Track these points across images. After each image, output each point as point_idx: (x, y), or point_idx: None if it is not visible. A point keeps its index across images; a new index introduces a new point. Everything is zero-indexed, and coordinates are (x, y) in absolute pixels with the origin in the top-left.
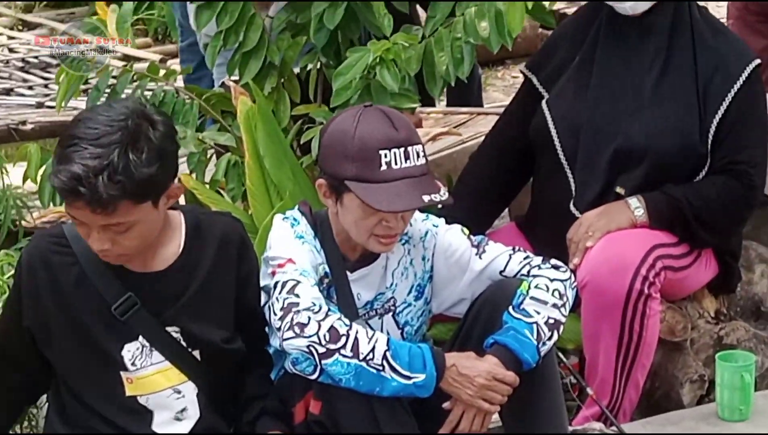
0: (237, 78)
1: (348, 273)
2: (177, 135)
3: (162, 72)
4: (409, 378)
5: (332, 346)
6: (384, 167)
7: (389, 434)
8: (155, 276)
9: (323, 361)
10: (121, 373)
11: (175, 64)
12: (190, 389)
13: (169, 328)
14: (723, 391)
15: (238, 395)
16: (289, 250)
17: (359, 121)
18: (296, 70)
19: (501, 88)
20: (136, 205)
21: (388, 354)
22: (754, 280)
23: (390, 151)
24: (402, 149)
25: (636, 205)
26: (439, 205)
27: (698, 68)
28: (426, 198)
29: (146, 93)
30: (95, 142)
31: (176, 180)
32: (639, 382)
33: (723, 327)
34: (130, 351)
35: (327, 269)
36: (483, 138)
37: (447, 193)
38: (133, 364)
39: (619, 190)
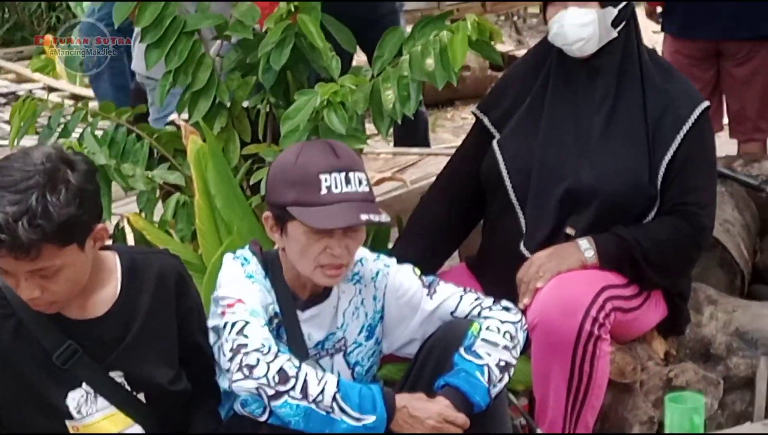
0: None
1: (299, 312)
2: (96, 175)
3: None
4: (360, 420)
5: (281, 388)
6: (324, 191)
7: None
8: (94, 322)
9: (272, 403)
10: (67, 422)
11: None
12: (137, 432)
13: (112, 373)
14: (673, 433)
15: (185, 433)
16: (239, 289)
17: (301, 151)
18: (245, 107)
19: (450, 129)
20: (60, 248)
21: (337, 396)
22: (703, 322)
23: (330, 175)
24: (343, 174)
25: (586, 247)
26: (390, 246)
27: (647, 109)
28: (364, 217)
29: (97, 131)
30: (12, 188)
31: (101, 221)
32: (589, 423)
33: (672, 369)
34: (74, 399)
35: (277, 309)
36: (434, 179)
37: (388, 218)
38: (78, 412)
39: (569, 231)
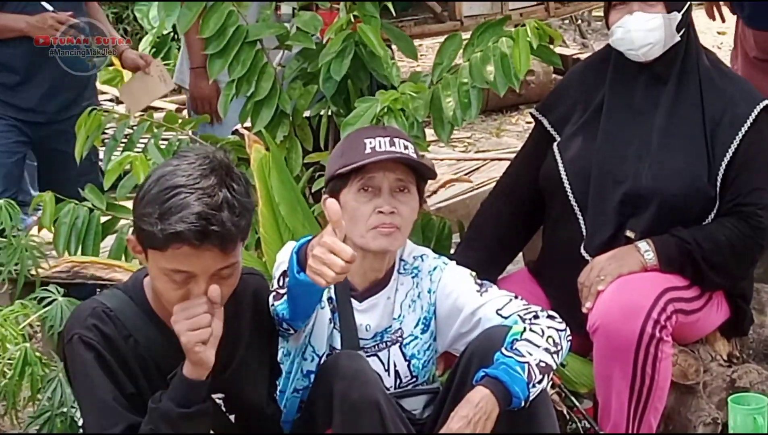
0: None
1: (356, 302)
2: None
3: (179, 121)
4: None
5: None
6: (368, 151)
7: None
8: None
9: None
10: None
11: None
12: None
13: (213, 395)
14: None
15: None
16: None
17: (354, 131)
18: (307, 116)
19: (515, 134)
20: (242, 243)
21: None
22: (767, 323)
23: (375, 139)
24: (388, 138)
25: (646, 249)
26: (452, 251)
27: (705, 111)
28: (399, 155)
29: (161, 142)
30: (197, 185)
31: None
32: (652, 425)
33: (735, 370)
34: None
35: (333, 295)
36: (495, 183)
37: (434, 169)
38: None
39: (629, 233)
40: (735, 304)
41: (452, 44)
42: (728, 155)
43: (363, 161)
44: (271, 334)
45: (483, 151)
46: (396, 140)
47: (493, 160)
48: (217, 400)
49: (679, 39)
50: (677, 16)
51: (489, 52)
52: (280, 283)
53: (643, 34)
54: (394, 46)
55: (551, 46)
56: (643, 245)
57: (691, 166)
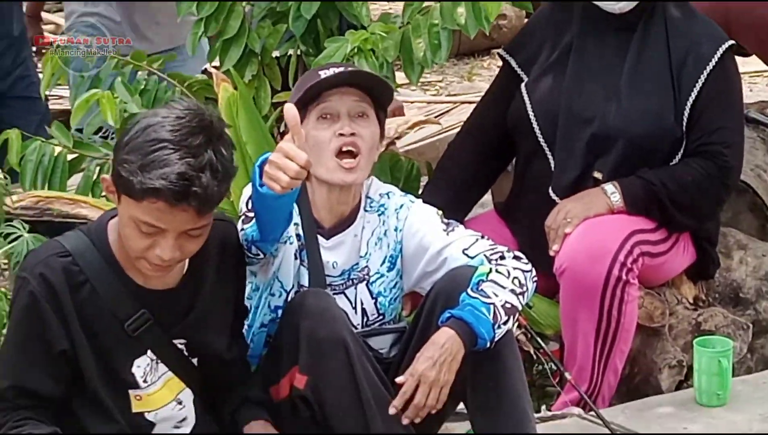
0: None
1: (323, 240)
2: None
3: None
4: None
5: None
6: (323, 77)
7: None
8: (167, 292)
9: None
10: (130, 391)
11: None
12: (188, 396)
13: (175, 340)
14: (701, 377)
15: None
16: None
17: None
18: (276, 56)
19: (486, 78)
20: (217, 205)
21: None
22: (733, 267)
23: (329, 69)
24: (342, 67)
25: (612, 191)
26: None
27: (671, 53)
28: (351, 69)
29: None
30: (183, 142)
31: None
32: (618, 367)
33: (701, 313)
34: (140, 367)
35: (301, 232)
36: (462, 123)
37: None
38: (144, 380)
39: (597, 174)
40: (701, 247)
41: None
42: (693, 94)
43: (315, 79)
44: (237, 280)
45: (454, 95)
46: (350, 67)
47: (463, 103)
48: (179, 346)
49: None
50: None
51: None
52: (248, 207)
53: None
54: None
55: None
56: (609, 187)
57: (658, 107)
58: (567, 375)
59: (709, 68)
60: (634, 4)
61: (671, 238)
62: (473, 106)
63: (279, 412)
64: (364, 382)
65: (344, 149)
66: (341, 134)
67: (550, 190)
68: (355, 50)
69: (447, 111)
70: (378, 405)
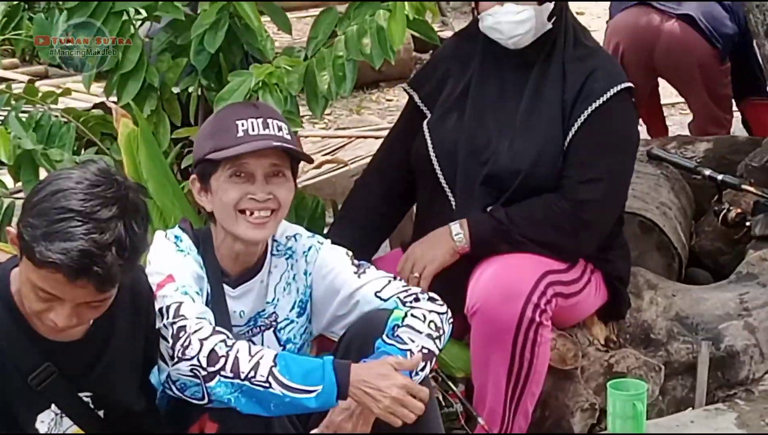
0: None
1: (229, 289)
2: None
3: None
4: (305, 392)
5: (212, 368)
6: (241, 134)
7: None
8: (73, 344)
9: (207, 384)
10: None
11: (44, 85)
12: None
13: (81, 393)
14: (615, 420)
15: None
16: (170, 264)
17: (222, 109)
18: (176, 91)
19: (376, 111)
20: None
21: (274, 370)
22: (643, 307)
23: (247, 120)
24: (261, 120)
25: (457, 233)
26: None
27: (565, 90)
28: (276, 143)
29: (22, 115)
30: (93, 215)
31: None
32: (528, 410)
33: (613, 355)
34: (44, 422)
35: (207, 286)
36: (369, 160)
37: (312, 159)
38: None
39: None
40: (613, 287)
41: (327, 18)
42: (573, 129)
43: (235, 150)
44: (147, 328)
45: (344, 129)
46: (269, 121)
47: (358, 137)
48: (85, 398)
49: (550, 26)
50: (549, 6)
51: (365, 25)
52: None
53: (512, 26)
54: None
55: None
56: (455, 227)
57: (547, 146)
58: (480, 419)
59: (595, 104)
60: (530, 40)
61: (583, 278)
62: (367, 140)
63: None
64: (277, 430)
65: (255, 213)
66: (254, 199)
67: None
68: (260, 84)
69: (341, 146)
70: None
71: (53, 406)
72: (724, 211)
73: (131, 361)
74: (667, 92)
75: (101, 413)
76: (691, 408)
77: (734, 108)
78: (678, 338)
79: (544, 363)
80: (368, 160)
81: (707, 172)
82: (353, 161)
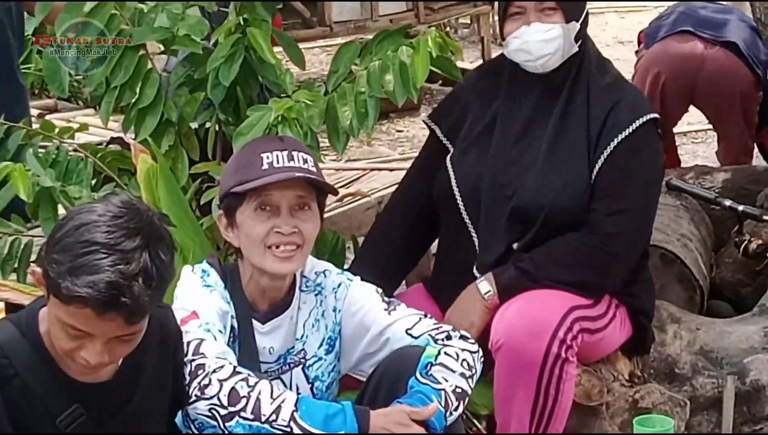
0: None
1: (258, 325)
2: None
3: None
4: None
5: (232, 408)
6: (266, 166)
7: None
8: (102, 385)
9: (225, 424)
10: None
11: (54, 118)
12: None
13: None
14: None
15: None
16: (195, 300)
17: (248, 143)
18: (194, 126)
19: (386, 143)
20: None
21: (296, 415)
22: (667, 341)
23: (272, 153)
24: (286, 152)
25: (486, 290)
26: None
27: (590, 120)
28: (300, 174)
29: (39, 151)
30: (117, 247)
31: None
32: None
33: (638, 390)
34: None
35: (235, 324)
36: (391, 195)
37: (336, 191)
38: None
39: (515, 246)
40: (638, 321)
41: (348, 51)
42: (600, 162)
43: (260, 181)
44: (175, 369)
45: (354, 160)
46: (295, 154)
47: (372, 169)
48: None
49: (577, 49)
50: (576, 26)
51: (388, 60)
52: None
53: (541, 44)
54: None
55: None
56: (484, 286)
57: (573, 179)
58: None
59: (621, 136)
60: (558, 62)
61: (609, 313)
62: (382, 172)
63: None
64: None
65: (281, 247)
66: (280, 232)
67: (475, 269)
68: (279, 119)
69: (356, 178)
70: None
71: None
72: (745, 242)
73: (160, 403)
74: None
75: None
76: None
77: None
78: (703, 373)
79: (569, 400)
80: (383, 192)
81: (727, 202)
82: (370, 194)
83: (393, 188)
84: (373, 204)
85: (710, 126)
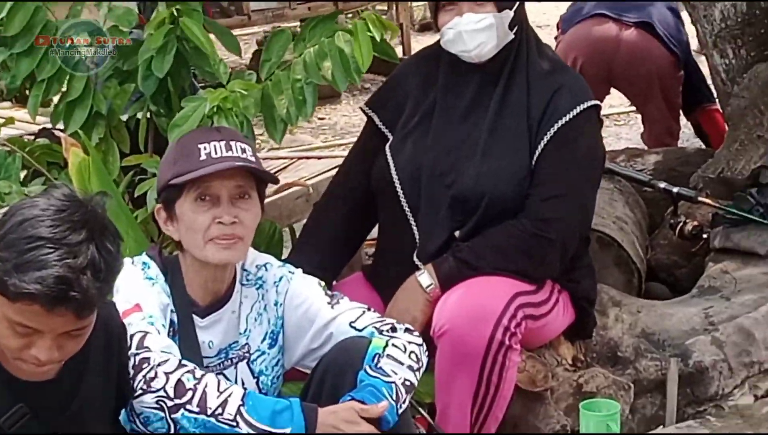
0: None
1: (198, 319)
2: None
3: None
4: (271, 434)
5: (178, 401)
6: (204, 157)
7: None
8: (46, 384)
9: (171, 416)
10: None
11: None
12: None
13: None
14: None
15: None
16: (137, 293)
17: (183, 135)
18: (124, 118)
19: (308, 131)
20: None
21: (242, 409)
22: (609, 325)
23: (210, 144)
24: (223, 142)
25: (428, 284)
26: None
27: (530, 107)
28: (240, 163)
29: None
30: (63, 241)
31: None
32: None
33: (582, 374)
34: None
35: (174, 318)
36: (329, 183)
37: (276, 179)
38: None
39: (457, 234)
40: (580, 307)
41: (280, 40)
42: (539, 149)
43: (199, 172)
44: (120, 364)
45: (276, 149)
46: (233, 144)
47: (299, 158)
48: None
49: (513, 36)
50: (509, 14)
51: (324, 47)
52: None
53: (474, 34)
54: None
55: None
56: (425, 279)
57: (513, 166)
58: None
59: (561, 122)
60: (494, 52)
61: (551, 298)
62: (309, 161)
63: None
64: None
65: (223, 237)
66: (221, 222)
67: (415, 257)
68: (215, 109)
69: (284, 167)
70: None
71: None
72: (681, 224)
73: (104, 401)
74: None
75: None
76: (661, 426)
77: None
78: (646, 355)
79: (510, 387)
80: (314, 180)
81: (662, 185)
82: (297, 183)
83: (323, 177)
84: (303, 193)
85: (633, 108)
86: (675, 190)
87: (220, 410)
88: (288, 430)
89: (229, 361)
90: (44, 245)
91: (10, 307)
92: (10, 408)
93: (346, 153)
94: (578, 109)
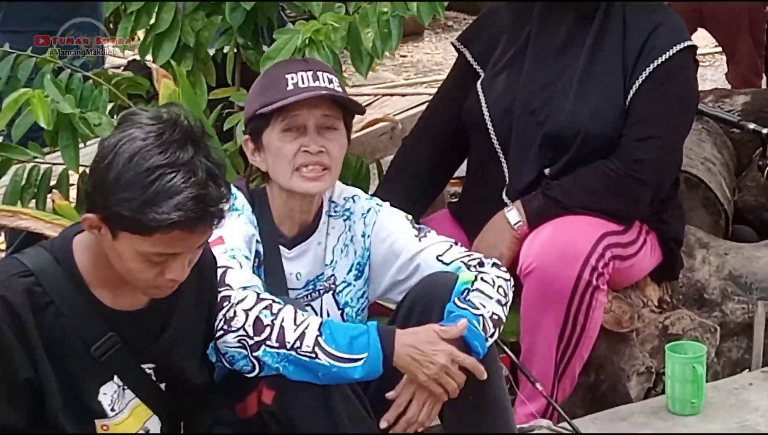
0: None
1: (285, 250)
2: None
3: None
4: (352, 361)
5: (258, 338)
6: (291, 87)
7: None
8: (137, 313)
9: (253, 353)
10: (96, 421)
11: None
12: (155, 424)
13: (143, 365)
14: (674, 384)
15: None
16: (222, 224)
17: (271, 66)
18: (211, 52)
19: (390, 68)
20: None
21: (320, 339)
22: (696, 267)
23: (297, 74)
24: (311, 73)
25: (516, 220)
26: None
27: (626, 46)
28: (326, 92)
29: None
30: (178, 162)
31: None
32: (575, 374)
33: (668, 316)
34: (107, 395)
35: (261, 249)
36: (417, 119)
37: (363, 108)
38: (112, 409)
39: (547, 171)
40: (668, 247)
41: None
42: (635, 87)
43: (285, 100)
44: (211, 300)
45: (359, 86)
46: (320, 74)
47: (384, 95)
48: (147, 370)
49: None
50: None
51: None
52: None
53: None
54: None
55: None
56: (513, 216)
57: (609, 105)
58: (538, 386)
59: (658, 61)
60: None
61: (639, 239)
62: (393, 98)
63: (249, 430)
64: (335, 394)
65: (310, 166)
66: (307, 151)
67: (504, 195)
68: (307, 41)
69: (368, 104)
70: (349, 417)
71: (116, 377)
72: None
73: (194, 333)
74: None
75: (163, 386)
76: (747, 369)
77: None
78: (732, 298)
79: (596, 327)
80: (398, 117)
81: (751, 126)
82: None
83: (407, 114)
84: (387, 129)
85: (717, 49)
86: (765, 131)
87: (298, 343)
88: (365, 355)
89: (317, 292)
90: (165, 173)
91: (145, 241)
92: (102, 337)
93: (429, 90)
94: (675, 49)
